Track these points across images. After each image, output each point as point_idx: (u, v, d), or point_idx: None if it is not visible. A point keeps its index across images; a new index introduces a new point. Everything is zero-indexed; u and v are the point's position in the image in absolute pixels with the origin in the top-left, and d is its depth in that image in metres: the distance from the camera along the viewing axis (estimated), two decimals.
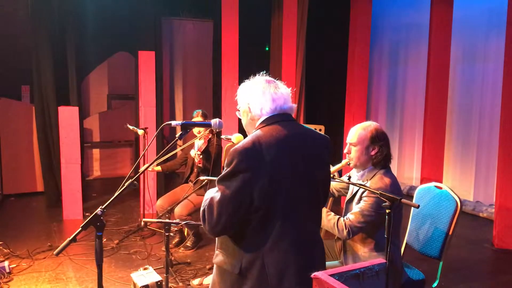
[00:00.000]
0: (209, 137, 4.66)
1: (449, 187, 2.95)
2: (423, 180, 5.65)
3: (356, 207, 2.63)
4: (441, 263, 2.86)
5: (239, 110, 2.06)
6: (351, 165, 2.79)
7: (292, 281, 1.86)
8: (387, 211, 2.28)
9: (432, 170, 5.70)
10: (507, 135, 4.84)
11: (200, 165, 4.58)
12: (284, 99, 1.96)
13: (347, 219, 2.61)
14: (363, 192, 2.64)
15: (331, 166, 3.08)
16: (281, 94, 1.96)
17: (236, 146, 1.83)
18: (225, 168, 1.85)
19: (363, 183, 2.66)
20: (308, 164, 1.94)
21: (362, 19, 6.44)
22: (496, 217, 4.98)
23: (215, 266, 2.02)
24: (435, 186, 3.06)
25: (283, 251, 1.85)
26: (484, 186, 6.33)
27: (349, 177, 3.04)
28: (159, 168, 4.94)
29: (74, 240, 1.91)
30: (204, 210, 1.89)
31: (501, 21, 5.23)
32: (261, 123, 1.94)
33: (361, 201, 2.62)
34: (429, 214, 2.97)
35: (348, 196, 2.82)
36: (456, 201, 2.82)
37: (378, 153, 2.68)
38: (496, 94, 5.78)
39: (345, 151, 2.80)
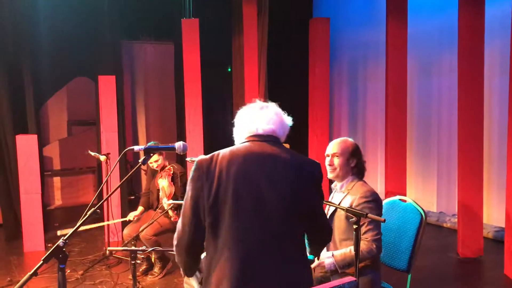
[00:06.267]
0: (171, 174, 4.58)
1: (413, 200, 3.01)
2: (387, 194, 5.73)
3: (363, 225, 2.65)
4: (409, 276, 2.90)
5: None
6: (332, 176, 2.88)
7: None
8: (354, 226, 2.30)
9: (396, 183, 5.80)
10: (464, 146, 4.98)
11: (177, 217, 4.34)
12: (262, 122, 2.01)
13: (365, 239, 2.64)
14: (351, 205, 2.67)
15: None
16: (261, 117, 2.02)
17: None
18: None
19: (335, 204, 2.68)
20: (271, 185, 1.85)
21: (320, 38, 6.58)
22: (459, 226, 5.11)
23: None
24: (400, 199, 3.12)
25: (224, 273, 1.83)
26: (447, 197, 6.49)
27: None
28: (141, 208, 4.81)
29: (35, 274, 1.82)
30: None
31: (452, 37, 5.45)
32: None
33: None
34: (395, 228, 3.01)
35: (330, 210, 2.84)
36: (420, 213, 2.87)
37: (357, 165, 2.84)
38: (452, 106, 5.98)
39: (326, 163, 2.87)
